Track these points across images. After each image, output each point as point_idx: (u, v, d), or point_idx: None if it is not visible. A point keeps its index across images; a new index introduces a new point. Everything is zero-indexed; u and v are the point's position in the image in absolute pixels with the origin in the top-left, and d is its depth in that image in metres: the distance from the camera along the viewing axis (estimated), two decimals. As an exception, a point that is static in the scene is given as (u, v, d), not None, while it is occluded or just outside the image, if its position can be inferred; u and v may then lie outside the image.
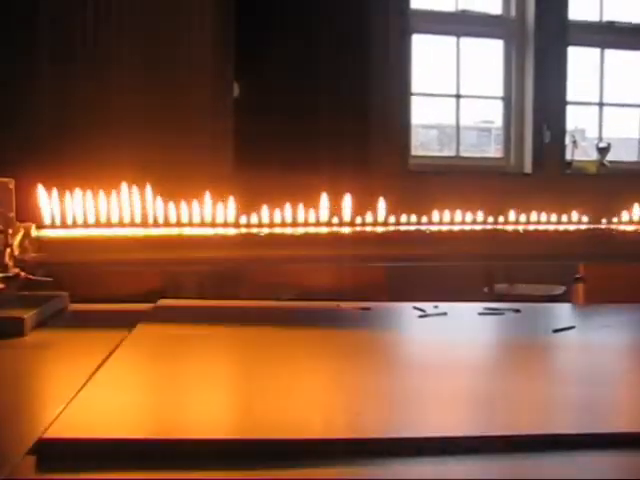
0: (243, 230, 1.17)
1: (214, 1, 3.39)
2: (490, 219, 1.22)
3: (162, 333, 1.08)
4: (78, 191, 1.17)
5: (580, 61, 4.02)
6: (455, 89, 3.98)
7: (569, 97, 3.92)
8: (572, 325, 1.13)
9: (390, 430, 0.68)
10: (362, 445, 0.64)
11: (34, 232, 1.12)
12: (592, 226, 1.23)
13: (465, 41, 3.97)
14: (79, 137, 3.19)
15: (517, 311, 1.26)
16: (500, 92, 4.01)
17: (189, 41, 3.33)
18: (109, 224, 1.16)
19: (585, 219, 1.23)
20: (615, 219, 1.24)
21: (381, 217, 1.20)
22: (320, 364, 0.93)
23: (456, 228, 1.21)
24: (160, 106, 3.27)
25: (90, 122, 3.21)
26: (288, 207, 1.19)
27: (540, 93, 3.88)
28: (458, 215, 1.21)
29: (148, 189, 1.18)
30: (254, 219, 1.18)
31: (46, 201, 1.15)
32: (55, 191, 1.17)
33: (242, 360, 0.96)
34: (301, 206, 1.20)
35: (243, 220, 1.18)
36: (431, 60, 3.99)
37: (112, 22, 3.23)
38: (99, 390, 0.78)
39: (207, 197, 1.18)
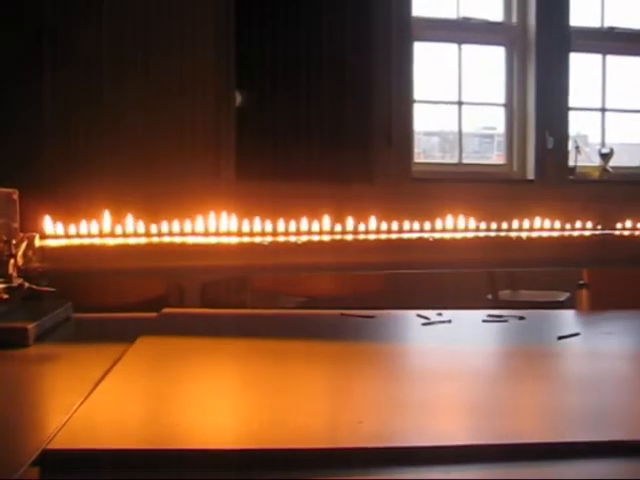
0: (246, 239, 1.17)
1: (215, 12, 3.40)
2: (493, 226, 1.22)
3: (165, 343, 1.08)
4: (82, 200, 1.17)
5: (582, 67, 4.03)
6: (457, 96, 3.99)
7: (571, 103, 3.92)
8: (577, 332, 1.12)
9: (393, 439, 0.68)
10: (365, 454, 0.64)
11: (37, 242, 1.12)
12: (596, 232, 1.22)
13: (467, 48, 3.98)
14: (82, 147, 3.20)
15: (521, 318, 1.26)
16: (502, 99, 4.02)
17: (192, 51, 3.34)
18: (113, 233, 1.16)
19: (589, 225, 1.22)
20: (619, 224, 1.23)
21: (384, 224, 1.19)
22: (324, 372, 0.93)
23: (459, 235, 1.20)
24: (161, 114, 3.28)
25: (94, 134, 3.22)
26: (291, 215, 1.19)
27: (542, 99, 3.88)
28: (461, 222, 1.21)
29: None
30: (257, 228, 1.18)
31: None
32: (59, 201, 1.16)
33: (244, 370, 0.95)
34: (304, 214, 1.20)
35: (246, 229, 1.18)
36: (433, 67, 4.00)
37: (114, 39, 3.25)
38: (103, 401, 0.78)
39: (210, 206, 1.18)
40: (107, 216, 1.15)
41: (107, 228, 1.15)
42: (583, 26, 4.00)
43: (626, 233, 1.22)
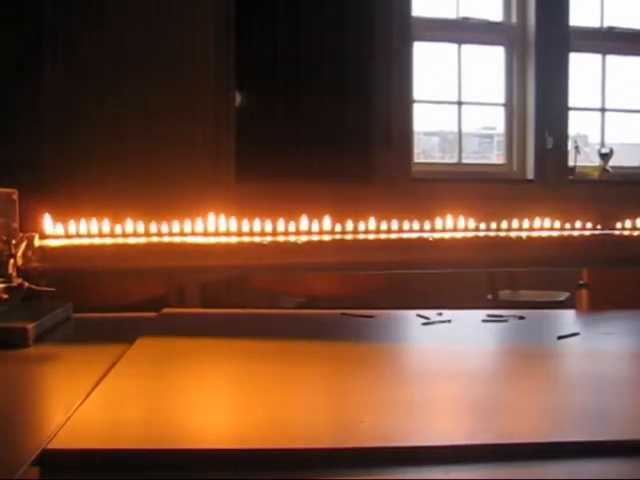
0: (246, 239, 1.17)
1: (215, 12, 3.40)
2: (493, 225, 1.22)
3: (165, 343, 1.08)
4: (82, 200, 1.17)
5: (581, 67, 4.03)
6: (457, 96, 3.99)
7: (571, 103, 3.92)
8: (576, 332, 1.12)
9: (394, 439, 0.68)
10: (366, 454, 0.64)
11: (37, 242, 1.12)
12: (596, 232, 1.22)
13: (466, 48, 3.98)
14: (82, 148, 3.20)
15: (521, 318, 1.26)
16: (502, 99, 4.02)
17: (192, 52, 3.34)
18: (112, 233, 1.16)
19: (588, 225, 1.23)
20: (619, 224, 1.23)
21: (384, 224, 1.20)
22: (324, 372, 0.93)
23: (459, 235, 1.20)
24: (161, 115, 3.28)
25: (94, 134, 3.22)
26: (291, 215, 1.19)
27: (542, 99, 3.88)
28: (461, 222, 1.21)
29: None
30: (257, 227, 1.18)
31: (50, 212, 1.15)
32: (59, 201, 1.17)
33: (245, 370, 0.95)
34: (304, 214, 1.20)
35: (246, 229, 1.18)
36: (433, 67, 4.00)
37: (114, 39, 3.25)
38: (103, 401, 0.78)
39: (211, 206, 1.18)
40: (106, 216, 1.15)
41: (107, 228, 1.15)
42: (582, 26, 4.00)
43: (626, 233, 1.22)
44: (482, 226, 1.20)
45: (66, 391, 0.85)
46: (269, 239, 1.16)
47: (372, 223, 1.19)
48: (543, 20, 3.87)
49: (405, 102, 3.71)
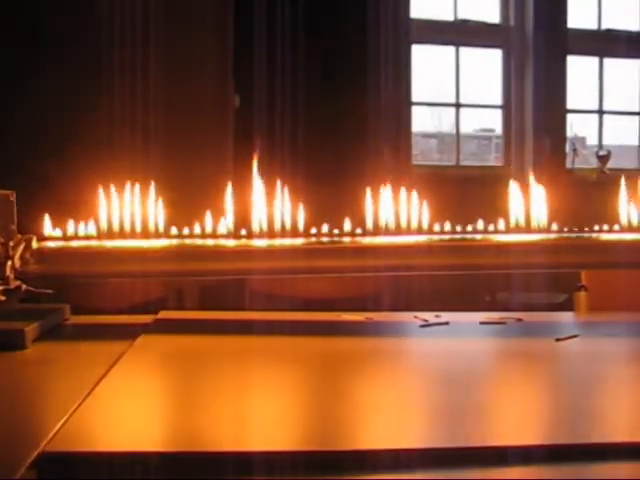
0: (244, 241, 1.17)
1: (215, 16, 3.40)
2: (491, 227, 1.22)
3: (163, 345, 1.08)
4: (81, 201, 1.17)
5: (579, 69, 4.03)
6: (455, 98, 3.99)
7: (569, 105, 3.93)
8: (575, 334, 1.12)
9: (392, 441, 0.68)
10: (363, 456, 0.64)
11: (35, 244, 1.12)
12: (593, 233, 1.23)
13: (464, 50, 3.98)
14: (82, 146, 3.20)
15: (519, 320, 1.26)
16: (500, 101, 4.02)
17: (190, 55, 3.34)
18: (111, 236, 1.15)
19: (586, 227, 1.23)
20: (617, 226, 1.23)
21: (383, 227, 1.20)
22: (321, 374, 0.93)
23: (457, 237, 1.20)
24: (162, 116, 3.28)
25: (94, 135, 3.22)
26: (289, 218, 1.19)
27: (540, 101, 3.88)
28: (459, 224, 1.21)
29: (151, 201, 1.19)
30: (256, 230, 1.18)
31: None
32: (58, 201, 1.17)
33: (243, 372, 0.95)
34: (302, 217, 1.20)
35: (244, 232, 1.18)
36: (431, 69, 4.00)
37: (114, 40, 3.24)
38: (100, 403, 0.78)
39: (208, 208, 1.19)
40: (105, 219, 1.15)
41: (105, 230, 1.15)
42: (580, 28, 4.01)
43: (624, 235, 1.22)
44: (479, 228, 1.21)
45: (64, 393, 0.85)
46: (267, 242, 1.16)
47: (370, 226, 1.19)
48: (541, 22, 3.87)
49: (404, 104, 3.71)
